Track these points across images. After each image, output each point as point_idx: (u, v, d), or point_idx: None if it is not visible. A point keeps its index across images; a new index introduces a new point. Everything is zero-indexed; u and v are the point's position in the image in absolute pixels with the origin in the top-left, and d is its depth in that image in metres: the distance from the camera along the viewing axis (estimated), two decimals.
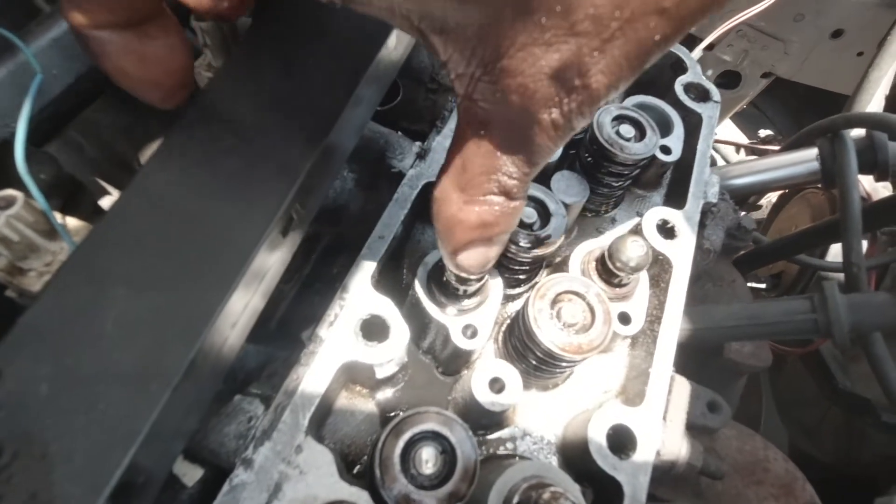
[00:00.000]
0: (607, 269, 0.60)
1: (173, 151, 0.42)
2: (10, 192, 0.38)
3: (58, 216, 0.43)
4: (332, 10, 0.39)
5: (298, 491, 0.47)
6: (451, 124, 0.70)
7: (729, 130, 2.87)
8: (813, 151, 0.81)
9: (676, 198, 0.77)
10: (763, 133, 2.11)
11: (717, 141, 1.74)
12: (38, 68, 0.41)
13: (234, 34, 0.53)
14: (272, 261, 0.45)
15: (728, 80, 2.15)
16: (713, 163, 2.00)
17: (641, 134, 0.69)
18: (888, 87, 1.22)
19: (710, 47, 1.90)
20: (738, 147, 1.96)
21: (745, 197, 1.08)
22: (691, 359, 0.91)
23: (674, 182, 0.80)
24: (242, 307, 0.42)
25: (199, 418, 0.45)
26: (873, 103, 1.10)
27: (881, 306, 0.60)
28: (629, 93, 0.89)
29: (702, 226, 0.75)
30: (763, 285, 1.47)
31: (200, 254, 0.39)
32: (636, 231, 0.69)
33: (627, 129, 0.69)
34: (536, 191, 0.61)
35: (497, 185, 0.39)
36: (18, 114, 0.38)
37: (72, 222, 0.44)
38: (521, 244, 0.57)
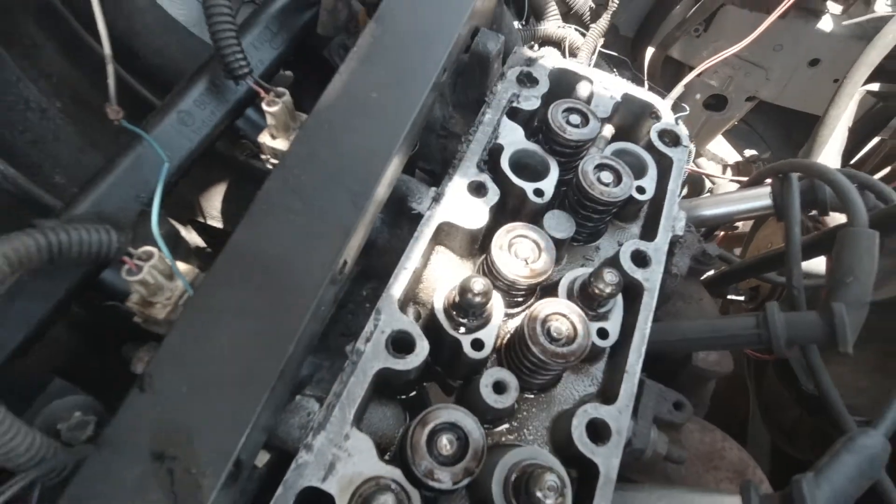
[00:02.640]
0: (588, 294, 0.74)
1: (257, 215, 0.57)
2: (148, 248, 0.52)
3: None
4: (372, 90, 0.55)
5: (348, 469, 0.61)
6: (460, 171, 0.84)
7: (721, 146, 3.02)
8: (767, 189, 0.96)
9: (651, 228, 0.91)
10: (749, 153, 2.25)
11: (692, 171, 1.88)
12: (165, 158, 0.56)
13: (292, 116, 0.68)
14: (329, 295, 0.60)
15: (716, 102, 2.30)
16: (698, 190, 2.15)
17: (618, 179, 0.84)
18: (843, 138, 1.37)
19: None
20: (724, 167, 2.10)
21: (713, 227, 1.22)
22: (668, 366, 1.06)
23: (649, 215, 0.94)
24: (310, 331, 0.56)
25: (276, 414, 0.59)
26: (825, 152, 1.24)
27: (810, 324, 0.74)
28: (613, 139, 1.05)
29: (671, 254, 0.89)
30: (742, 297, 1.61)
31: (282, 292, 0.54)
32: (614, 261, 0.83)
33: (606, 176, 0.84)
34: (532, 231, 0.76)
35: None
36: (148, 189, 0.52)
37: (181, 265, 0.59)
38: (518, 278, 0.72)
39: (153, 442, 0.46)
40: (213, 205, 0.87)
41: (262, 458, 0.68)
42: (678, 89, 1.82)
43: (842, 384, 1.46)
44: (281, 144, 0.67)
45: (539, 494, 0.59)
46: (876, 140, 1.86)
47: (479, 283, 0.68)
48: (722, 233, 1.67)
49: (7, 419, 0.42)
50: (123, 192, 0.56)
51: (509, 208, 0.89)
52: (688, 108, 1.89)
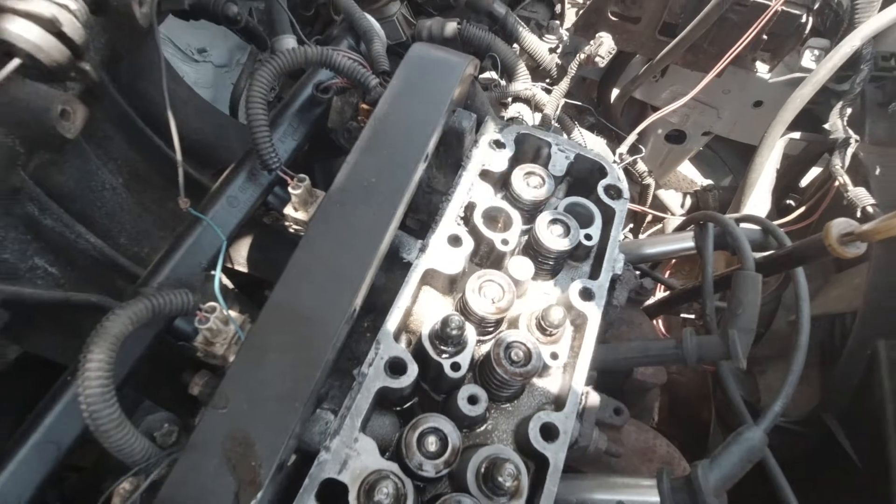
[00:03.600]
0: (541, 326, 0.95)
1: (290, 278, 0.78)
2: (212, 304, 0.72)
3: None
4: (372, 175, 0.76)
5: (357, 464, 0.81)
6: (441, 225, 1.05)
7: (688, 170, 3.28)
8: (691, 233, 1.18)
9: (597, 267, 1.12)
10: (706, 182, 2.49)
11: (644, 211, 2.12)
12: (222, 237, 0.75)
13: (310, 194, 0.88)
14: (344, 333, 0.80)
15: (677, 135, 2.55)
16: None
17: (567, 231, 1.05)
18: (772, 179, 1.60)
19: None
20: (683, 195, 2.34)
21: (654, 263, 1.44)
22: (616, 378, 1.26)
23: (596, 255, 1.16)
24: (331, 362, 0.77)
25: (304, 424, 0.79)
26: (755, 193, 1.48)
27: (713, 345, 0.95)
28: (570, 190, 1.26)
29: (612, 289, 1.11)
30: (693, 315, 1.83)
31: (310, 334, 0.74)
32: (564, 297, 1.04)
33: (557, 229, 1.05)
34: (498, 276, 0.97)
35: None
36: (208, 257, 0.72)
37: (233, 314, 0.79)
38: (486, 314, 0.93)
39: (224, 443, 0.66)
40: (241, 254, 1.06)
41: (291, 459, 0.88)
42: (640, 128, 2.06)
43: (773, 390, 1.67)
44: (302, 216, 0.87)
45: (500, 479, 0.79)
46: (817, 172, 2.10)
47: (455, 320, 0.88)
48: (674, 259, 1.90)
49: (129, 429, 0.61)
50: (192, 262, 0.76)
51: (482, 253, 1.11)
52: (644, 150, 2.13)
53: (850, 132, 1.44)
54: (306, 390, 0.70)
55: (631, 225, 2.45)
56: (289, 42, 1.13)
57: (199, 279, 0.74)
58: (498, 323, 0.99)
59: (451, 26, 1.58)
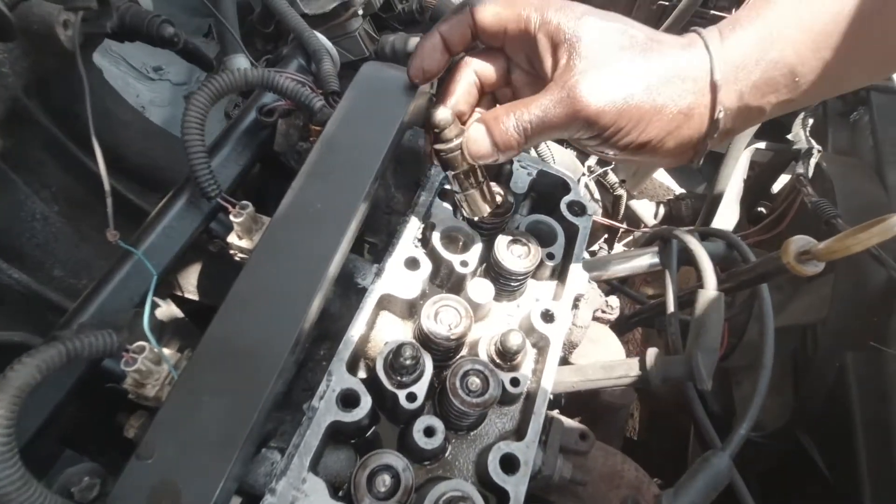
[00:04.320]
0: (500, 352, 0.91)
1: (228, 311, 0.73)
2: (141, 343, 0.67)
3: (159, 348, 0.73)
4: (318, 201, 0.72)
5: None
6: (398, 248, 1.01)
7: (664, 178, 3.29)
8: (656, 249, 1.16)
9: (563, 285, 1.09)
10: (679, 192, 2.50)
11: (612, 225, 2.11)
12: (153, 271, 0.71)
13: (255, 220, 0.84)
14: (289, 367, 0.75)
15: None
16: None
17: (528, 251, 1.02)
18: (739, 189, 1.60)
19: None
20: (657, 204, 2.34)
21: (621, 280, 1.42)
22: (584, 398, 1.23)
23: (560, 275, 1.13)
24: (272, 398, 0.72)
25: (245, 466, 0.75)
26: (723, 203, 1.48)
27: (677, 366, 0.93)
28: (533, 207, 1.24)
29: (576, 307, 1.08)
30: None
31: (249, 372, 0.69)
32: (525, 319, 1.01)
33: (518, 249, 1.02)
34: (454, 301, 0.93)
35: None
36: (140, 292, 0.68)
37: (167, 351, 0.74)
38: (442, 341, 0.89)
39: (150, 497, 0.61)
40: (189, 281, 1.02)
41: (235, 502, 0.83)
42: None
43: (746, 401, 1.65)
44: (246, 244, 0.83)
45: None
46: (787, 178, 2.11)
47: (408, 350, 0.84)
48: None
49: (36, 489, 0.56)
50: (122, 297, 0.71)
51: (442, 275, 1.07)
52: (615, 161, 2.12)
53: (813, 142, 1.44)
54: (242, 434, 0.66)
55: (606, 236, 2.44)
56: (239, 62, 1.09)
57: (128, 316, 0.69)
58: (456, 349, 0.95)
59: (415, 41, 1.55)
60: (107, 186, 0.69)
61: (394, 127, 0.93)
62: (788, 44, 0.68)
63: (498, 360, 0.93)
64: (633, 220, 2.34)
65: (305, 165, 0.83)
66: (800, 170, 1.40)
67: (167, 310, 1.00)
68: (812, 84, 0.69)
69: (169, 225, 0.79)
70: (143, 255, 0.73)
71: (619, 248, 2.03)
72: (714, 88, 0.70)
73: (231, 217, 0.79)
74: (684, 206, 2.38)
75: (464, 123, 0.84)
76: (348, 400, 0.85)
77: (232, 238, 0.83)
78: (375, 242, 1.24)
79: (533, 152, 1.72)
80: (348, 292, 1.02)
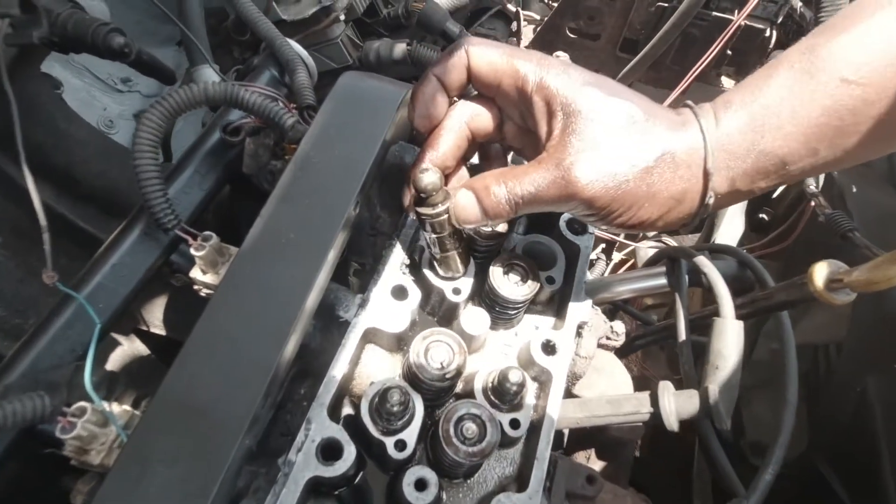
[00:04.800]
0: (498, 391, 0.83)
1: (186, 362, 0.64)
2: (82, 404, 0.58)
3: (105, 405, 0.64)
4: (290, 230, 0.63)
5: None
6: (384, 276, 0.92)
7: None
8: (663, 269, 1.07)
9: (563, 310, 1.01)
10: None
11: (613, 239, 2.03)
12: (96, 319, 0.62)
13: (220, 252, 0.75)
14: (256, 427, 0.66)
15: None
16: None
17: (526, 277, 0.94)
18: (743, 206, 1.53)
19: None
20: None
21: (622, 302, 1.34)
22: (589, 432, 1.15)
23: (561, 299, 1.04)
24: (238, 459, 0.63)
25: None
26: (725, 226, 1.40)
27: (693, 403, 0.84)
28: (529, 225, 1.15)
29: (579, 335, 0.99)
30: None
31: (208, 435, 0.60)
32: (525, 350, 0.92)
33: (514, 276, 0.93)
34: (446, 336, 0.84)
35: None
36: (83, 342, 0.59)
37: (116, 408, 0.65)
38: (434, 382, 0.80)
39: None
40: (154, 315, 0.92)
41: None
42: None
43: (760, 423, 1.58)
44: (211, 279, 0.74)
45: None
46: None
47: (395, 395, 0.76)
48: None
49: None
50: (59, 350, 0.62)
51: (432, 303, 0.98)
52: None
53: None
54: None
55: (603, 245, 2.36)
56: (206, 74, 1.01)
57: (68, 372, 0.60)
58: (449, 388, 0.86)
59: (401, 48, 1.47)
60: (42, 220, 0.60)
61: (376, 143, 0.84)
62: (779, 136, 0.68)
63: (495, 399, 0.84)
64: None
65: (277, 189, 0.74)
66: (809, 179, 1.33)
67: (128, 348, 0.90)
68: (802, 171, 0.71)
69: (119, 262, 0.70)
70: (85, 299, 0.64)
71: (618, 256, 1.94)
72: (706, 176, 0.70)
73: (192, 251, 0.70)
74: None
75: (447, 177, 0.83)
76: (330, 451, 0.76)
77: (195, 273, 0.74)
78: (362, 264, 1.15)
79: None
80: (330, 326, 0.93)
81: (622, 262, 2.08)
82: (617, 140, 0.69)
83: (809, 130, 0.66)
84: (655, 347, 1.95)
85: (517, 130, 0.81)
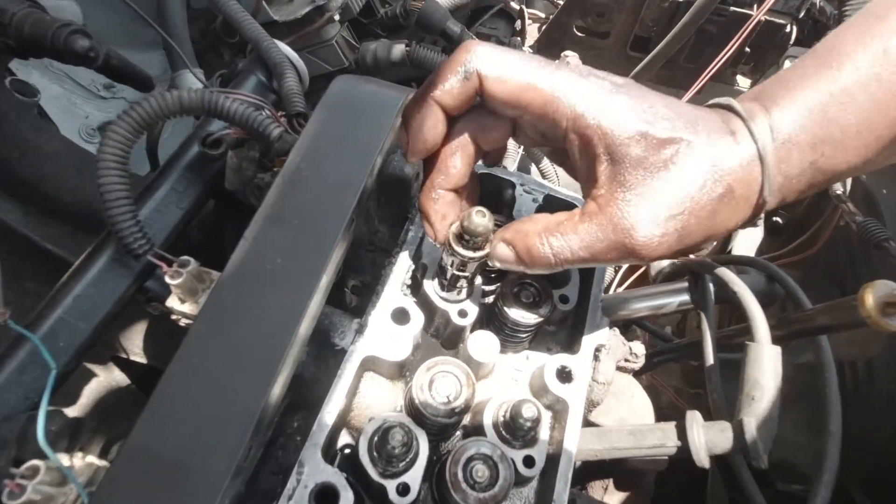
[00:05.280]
0: (510, 426, 0.75)
1: (156, 410, 0.56)
2: (34, 463, 0.51)
3: (65, 459, 0.56)
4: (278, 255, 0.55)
5: None
6: (383, 298, 0.85)
7: None
8: (685, 284, 1.00)
9: (578, 332, 0.93)
10: None
11: None
12: (52, 364, 0.55)
13: (200, 278, 0.67)
14: (235, 485, 0.58)
15: None
16: None
17: (538, 297, 0.86)
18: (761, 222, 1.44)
19: None
20: None
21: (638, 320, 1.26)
22: (608, 463, 1.07)
23: (576, 318, 0.96)
24: None
25: None
26: (743, 233, 1.32)
27: (726, 437, 0.77)
28: None
29: (596, 359, 0.91)
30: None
31: (178, 499, 0.52)
32: (538, 377, 0.84)
33: (527, 295, 0.86)
34: (453, 366, 0.77)
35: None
36: (38, 388, 0.51)
37: (77, 462, 0.57)
38: (439, 418, 0.73)
39: None
40: (133, 342, 0.85)
41: None
42: None
43: (781, 441, 1.49)
44: (190, 308, 0.66)
45: None
46: None
47: (397, 434, 0.68)
48: None
49: None
50: (10, 399, 0.54)
51: (436, 324, 0.91)
52: None
53: None
54: None
55: None
56: (187, 80, 0.93)
57: (18, 424, 0.53)
58: (456, 424, 0.79)
59: (399, 49, 1.39)
60: None
61: (373, 153, 0.77)
62: (840, 151, 0.60)
63: (507, 435, 0.76)
64: None
65: (262, 208, 0.67)
66: (836, 184, 1.25)
67: (104, 380, 0.83)
68: (845, 178, 0.67)
69: (83, 294, 0.62)
70: (43, 339, 0.56)
71: (629, 291, 1.86)
72: (759, 207, 0.63)
73: (167, 279, 0.62)
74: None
75: (459, 192, 0.76)
76: (324, 498, 0.68)
77: (172, 302, 0.66)
78: (361, 282, 1.08)
79: (535, 171, 1.57)
80: (324, 354, 0.85)
81: (631, 270, 2.00)
82: (670, 185, 0.59)
83: (873, 143, 0.58)
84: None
85: (535, 139, 0.72)
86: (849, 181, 1.27)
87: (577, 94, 0.60)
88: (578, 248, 0.63)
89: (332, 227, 0.69)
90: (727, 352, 0.93)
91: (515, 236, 0.67)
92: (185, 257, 0.64)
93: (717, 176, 0.60)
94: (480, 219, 0.66)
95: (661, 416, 1.09)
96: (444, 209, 0.72)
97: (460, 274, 0.79)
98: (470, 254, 0.71)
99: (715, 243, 0.67)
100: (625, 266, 2.03)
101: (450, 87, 0.63)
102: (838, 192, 1.24)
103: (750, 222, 0.65)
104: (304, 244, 0.67)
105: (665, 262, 1.75)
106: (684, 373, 1.94)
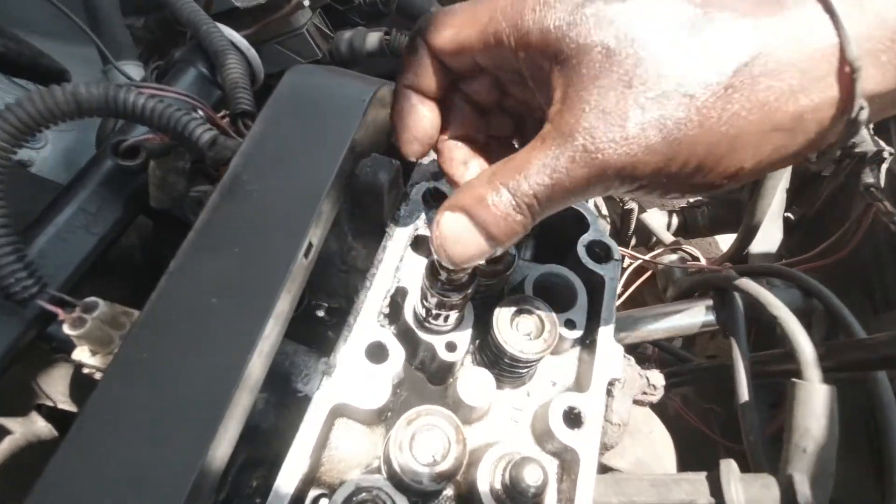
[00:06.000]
0: (510, 491, 0.62)
1: (47, 484, 0.43)
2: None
3: None
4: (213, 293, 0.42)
5: None
6: (356, 330, 0.72)
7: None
8: (708, 302, 0.87)
9: (587, 363, 0.80)
10: (693, 198, 2.21)
11: (632, 256, 1.80)
12: None
13: (115, 323, 0.54)
14: None
15: None
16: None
17: (541, 326, 0.73)
18: (782, 201, 1.32)
19: None
20: (669, 213, 2.06)
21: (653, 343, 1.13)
22: None
23: (584, 346, 0.83)
24: None
25: None
26: (762, 235, 1.20)
27: (770, 496, 0.64)
28: (538, 250, 0.95)
29: (609, 396, 0.78)
30: None
31: None
32: (541, 419, 0.71)
33: (526, 324, 0.73)
34: (440, 417, 0.63)
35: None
36: None
37: None
38: (423, 484, 0.59)
39: None
40: (56, 389, 0.71)
41: None
42: None
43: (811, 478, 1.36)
44: (102, 361, 0.53)
45: None
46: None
47: None
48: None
49: None
50: None
51: (421, 356, 0.77)
52: None
53: (882, 143, 1.17)
54: None
55: None
56: (128, 71, 0.79)
57: None
58: (442, 490, 0.65)
59: (376, 37, 1.25)
60: None
61: (335, 158, 0.63)
62: None
63: (507, 501, 0.63)
64: (644, 233, 2.05)
65: (192, 233, 0.53)
66: (869, 179, 1.13)
67: (20, 436, 0.69)
68: None
69: None
70: None
71: (643, 310, 1.72)
72: (846, 73, 0.44)
73: (66, 329, 0.49)
74: (700, 214, 2.11)
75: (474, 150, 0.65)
76: None
77: (80, 355, 0.52)
78: (334, 308, 0.94)
79: None
80: (286, 400, 0.72)
81: (637, 273, 1.87)
82: (656, 65, 0.45)
83: None
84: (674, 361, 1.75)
85: (524, 98, 0.62)
86: (882, 174, 1.14)
87: (515, 7, 0.49)
88: (539, 179, 0.48)
89: (283, 253, 0.55)
90: (756, 379, 0.80)
91: (461, 197, 0.52)
92: (92, 299, 0.50)
93: (732, 35, 0.44)
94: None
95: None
96: (414, 121, 0.60)
97: (445, 304, 0.66)
98: (449, 299, 0.61)
99: (757, 166, 0.49)
100: (628, 270, 1.90)
101: (413, 67, 0.57)
102: (869, 181, 1.10)
103: (847, 107, 0.44)
104: (248, 277, 0.54)
105: (678, 272, 1.62)
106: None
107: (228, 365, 0.48)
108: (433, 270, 0.62)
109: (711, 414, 1.56)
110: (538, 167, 0.48)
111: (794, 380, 0.66)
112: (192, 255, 0.53)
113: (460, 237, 0.52)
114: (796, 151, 0.49)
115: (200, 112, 0.57)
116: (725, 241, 3.01)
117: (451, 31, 0.54)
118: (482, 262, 0.56)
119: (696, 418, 1.51)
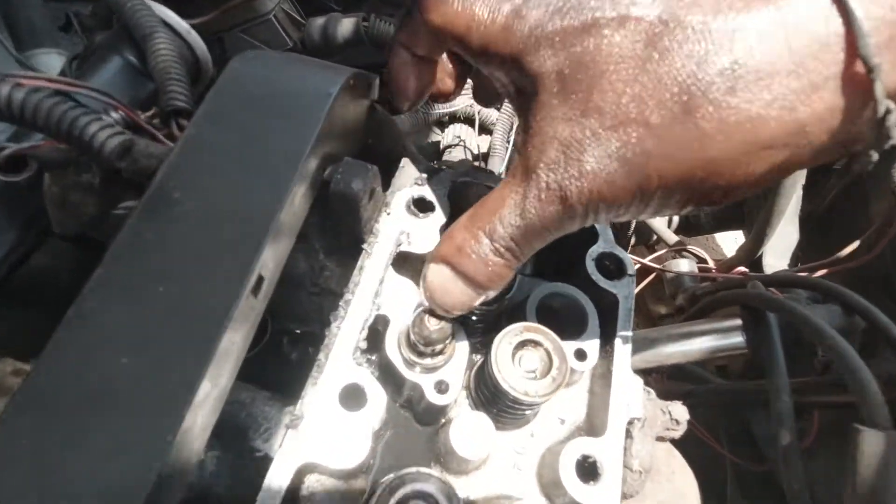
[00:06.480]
0: None
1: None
2: None
3: None
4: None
5: None
6: (328, 369, 0.60)
7: None
8: (737, 322, 0.76)
9: (602, 394, 0.69)
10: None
11: (647, 266, 1.69)
12: None
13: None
14: None
15: None
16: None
17: (546, 360, 0.61)
18: (798, 198, 1.22)
19: None
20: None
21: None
22: None
23: (596, 378, 0.72)
24: None
25: None
26: (778, 236, 1.10)
27: None
28: (534, 271, 0.83)
29: (629, 437, 0.67)
30: None
31: None
32: (549, 468, 0.60)
33: (529, 360, 0.61)
34: (429, 484, 0.52)
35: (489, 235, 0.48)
36: None
37: None
38: None
39: None
40: None
41: None
42: None
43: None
44: None
45: None
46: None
47: None
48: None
49: None
50: None
51: (407, 395, 0.66)
52: None
53: None
54: None
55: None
56: (45, 60, 0.66)
57: None
58: None
59: (352, 23, 1.13)
60: None
61: (293, 165, 0.52)
62: None
63: None
64: (645, 232, 1.95)
65: (101, 267, 0.41)
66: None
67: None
68: None
69: None
70: None
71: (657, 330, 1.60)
72: (853, 73, 0.37)
73: None
74: (703, 211, 2.01)
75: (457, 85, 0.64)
76: None
77: None
78: (307, 333, 0.82)
79: None
80: (243, 461, 0.60)
81: (639, 275, 1.76)
82: (611, 90, 0.40)
83: None
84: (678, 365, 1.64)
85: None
86: None
87: (493, 10, 0.46)
88: (512, 220, 0.47)
89: (223, 292, 0.43)
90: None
91: (442, 248, 0.54)
92: None
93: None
94: (435, 325, 0.56)
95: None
96: (405, 79, 0.59)
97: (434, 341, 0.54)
98: (428, 362, 0.58)
99: (756, 182, 0.42)
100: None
101: (409, 25, 0.55)
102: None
103: (862, 108, 0.37)
104: (175, 326, 0.42)
105: (687, 280, 1.51)
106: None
107: (139, 457, 0.36)
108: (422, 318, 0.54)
109: (719, 426, 1.46)
110: (511, 207, 0.47)
111: (857, 426, 0.55)
112: (98, 297, 0.41)
113: (448, 289, 0.54)
114: (805, 162, 0.42)
115: (117, 112, 0.45)
116: (725, 240, 2.93)
117: (444, 8, 0.50)
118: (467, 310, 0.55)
119: (704, 430, 1.42)
